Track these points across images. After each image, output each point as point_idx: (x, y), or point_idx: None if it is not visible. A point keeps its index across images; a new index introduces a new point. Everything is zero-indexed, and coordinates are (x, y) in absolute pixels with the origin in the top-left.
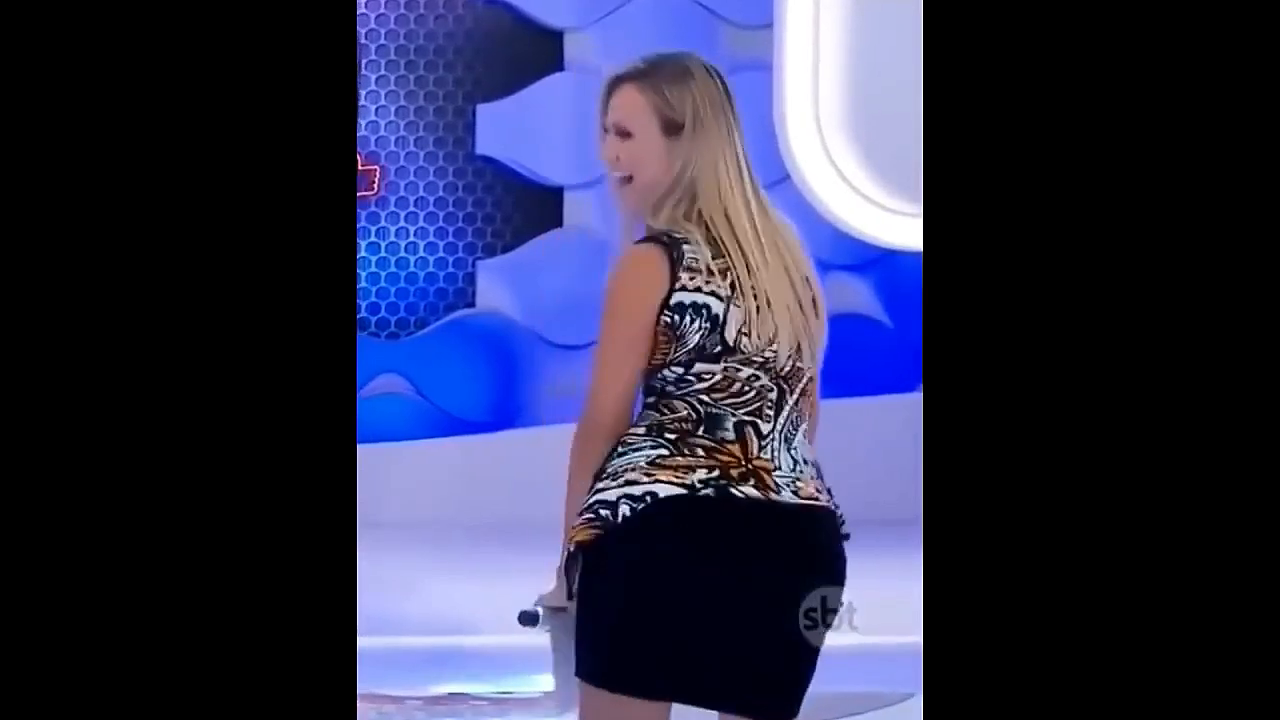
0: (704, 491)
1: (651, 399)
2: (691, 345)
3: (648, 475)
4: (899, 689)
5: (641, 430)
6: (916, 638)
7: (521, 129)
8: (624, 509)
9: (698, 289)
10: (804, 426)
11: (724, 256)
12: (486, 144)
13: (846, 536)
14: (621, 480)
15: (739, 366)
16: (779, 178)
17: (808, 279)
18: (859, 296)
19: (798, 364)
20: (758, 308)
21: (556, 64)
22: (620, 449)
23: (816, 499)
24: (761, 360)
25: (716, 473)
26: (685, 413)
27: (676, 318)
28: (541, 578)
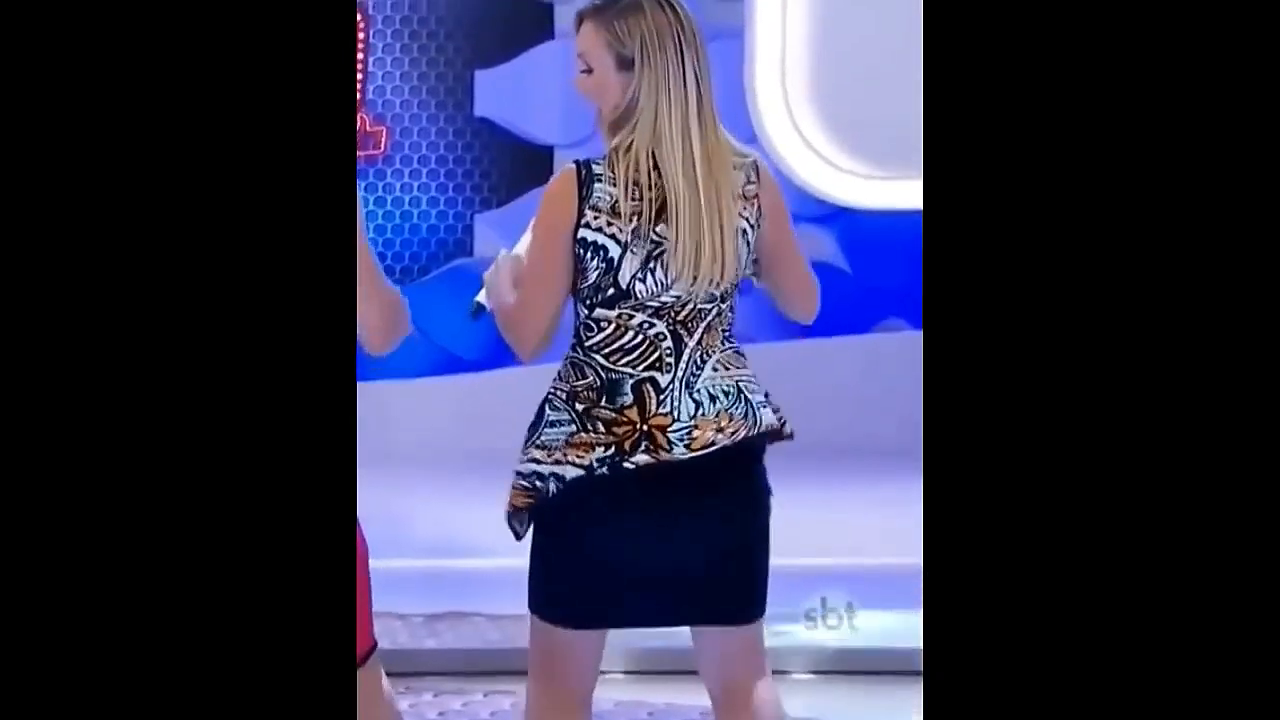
0: (600, 471)
1: (571, 346)
2: (590, 281)
3: (564, 455)
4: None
5: (564, 394)
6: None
7: (516, 93)
8: (552, 485)
9: (599, 229)
10: (712, 360)
11: (636, 201)
12: (484, 107)
13: (789, 436)
14: (552, 458)
15: (632, 313)
16: (746, 139)
17: (741, 214)
18: (821, 245)
19: (699, 306)
20: (659, 253)
21: (548, 33)
22: (550, 416)
23: (713, 444)
24: (656, 306)
25: (612, 449)
26: (591, 379)
27: (580, 250)
28: None
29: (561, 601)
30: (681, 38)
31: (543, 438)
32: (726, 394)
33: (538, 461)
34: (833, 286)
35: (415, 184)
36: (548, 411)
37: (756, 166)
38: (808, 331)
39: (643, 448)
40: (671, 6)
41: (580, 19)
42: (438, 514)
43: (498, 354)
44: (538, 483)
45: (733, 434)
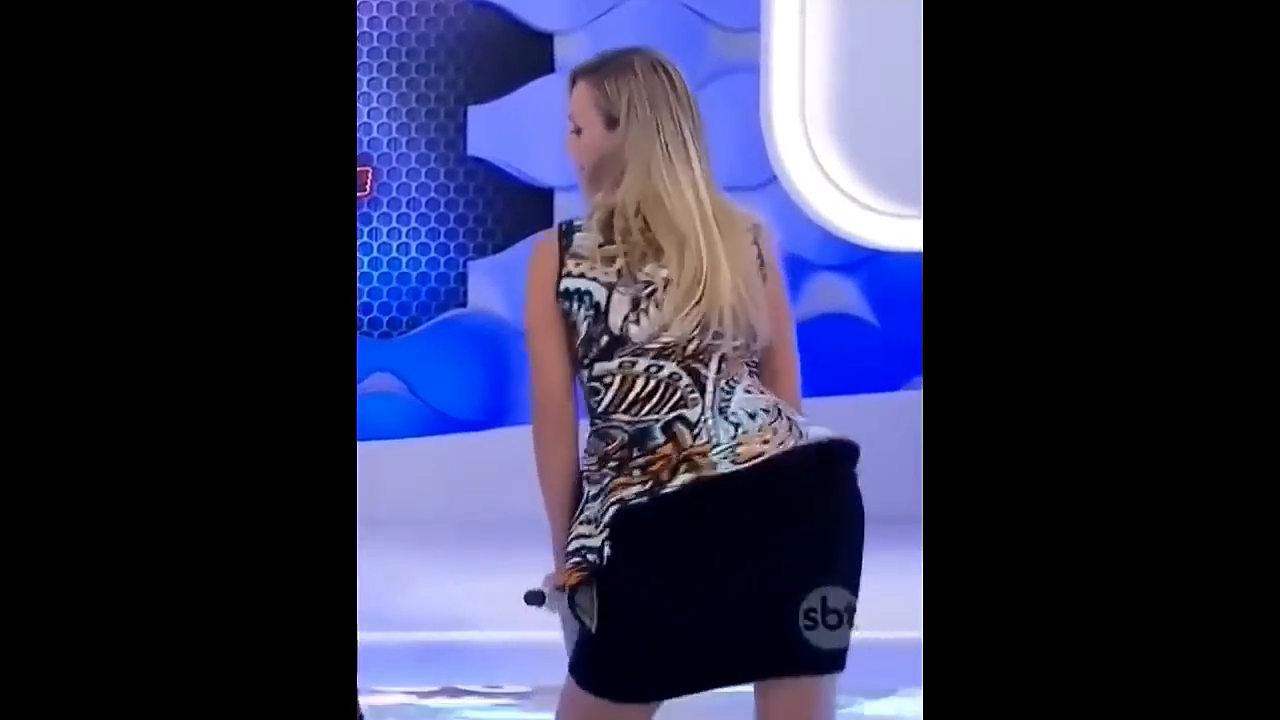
0: (635, 502)
1: (591, 423)
2: (582, 335)
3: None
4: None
5: (595, 463)
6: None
7: (512, 131)
8: (608, 550)
9: (581, 275)
10: (742, 384)
11: (624, 244)
12: (478, 145)
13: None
14: (604, 526)
15: (633, 360)
16: (766, 179)
17: (751, 260)
18: (846, 297)
19: (707, 341)
20: (649, 293)
21: (547, 66)
22: (590, 491)
23: (761, 455)
24: (657, 348)
25: (649, 483)
26: (619, 439)
27: (565, 304)
28: (533, 573)
29: (604, 667)
30: (673, 100)
31: (585, 513)
32: (766, 411)
33: (585, 536)
34: (859, 340)
35: (404, 229)
36: (586, 487)
37: (759, 227)
38: (831, 389)
39: (683, 469)
40: (665, 70)
41: (574, 79)
42: (429, 584)
43: (492, 413)
44: (589, 556)
45: (781, 444)
